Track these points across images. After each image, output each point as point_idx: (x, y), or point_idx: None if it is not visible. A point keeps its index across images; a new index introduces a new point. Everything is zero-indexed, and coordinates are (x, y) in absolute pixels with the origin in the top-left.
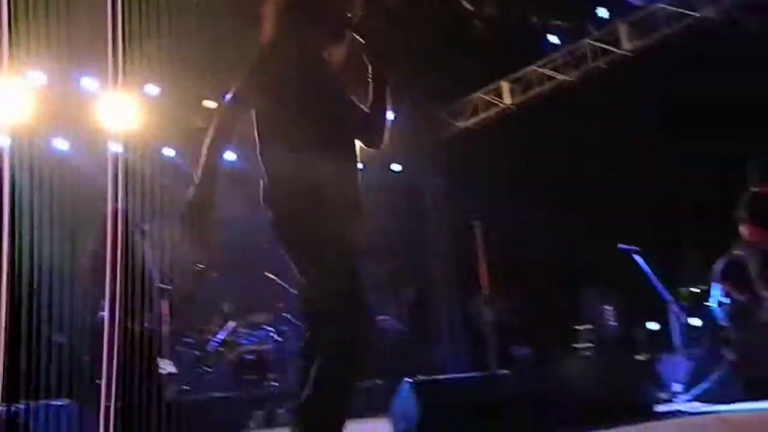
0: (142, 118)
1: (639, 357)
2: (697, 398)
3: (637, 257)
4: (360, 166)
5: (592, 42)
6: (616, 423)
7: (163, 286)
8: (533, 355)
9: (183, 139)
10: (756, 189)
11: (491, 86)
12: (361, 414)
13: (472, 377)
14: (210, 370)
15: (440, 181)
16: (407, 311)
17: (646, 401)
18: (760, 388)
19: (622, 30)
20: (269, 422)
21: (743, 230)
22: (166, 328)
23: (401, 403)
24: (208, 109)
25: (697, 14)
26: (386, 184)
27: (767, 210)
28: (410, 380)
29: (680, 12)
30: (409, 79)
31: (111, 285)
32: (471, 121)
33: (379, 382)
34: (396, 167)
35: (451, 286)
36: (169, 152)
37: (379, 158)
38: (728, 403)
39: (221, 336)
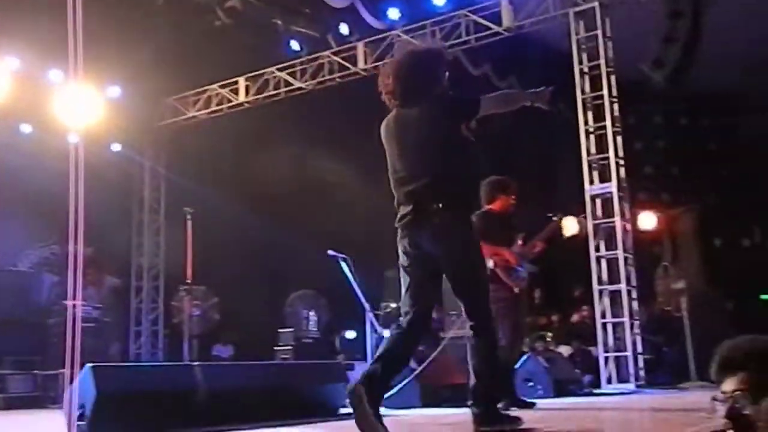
0: None
1: (334, 361)
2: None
3: (344, 265)
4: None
5: (331, 55)
6: (303, 420)
7: None
8: (235, 354)
9: None
10: (487, 207)
11: (228, 81)
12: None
13: (154, 366)
14: None
15: (159, 167)
16: (110, 299)
17: (334, 402)
18: (435, 397)
19: (360, 49)
20: None
21: None
22: None
23: (80, 389)
24: None
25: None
26: (103, 162)
27: (495, 226)
28: (90, 366)
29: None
30: (141, 61)
31: None
32: (202, 113)
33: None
34: (116, 147)
35: (158, 275)
36: None
37: (99, 135)
38: (408, 408)
39: None
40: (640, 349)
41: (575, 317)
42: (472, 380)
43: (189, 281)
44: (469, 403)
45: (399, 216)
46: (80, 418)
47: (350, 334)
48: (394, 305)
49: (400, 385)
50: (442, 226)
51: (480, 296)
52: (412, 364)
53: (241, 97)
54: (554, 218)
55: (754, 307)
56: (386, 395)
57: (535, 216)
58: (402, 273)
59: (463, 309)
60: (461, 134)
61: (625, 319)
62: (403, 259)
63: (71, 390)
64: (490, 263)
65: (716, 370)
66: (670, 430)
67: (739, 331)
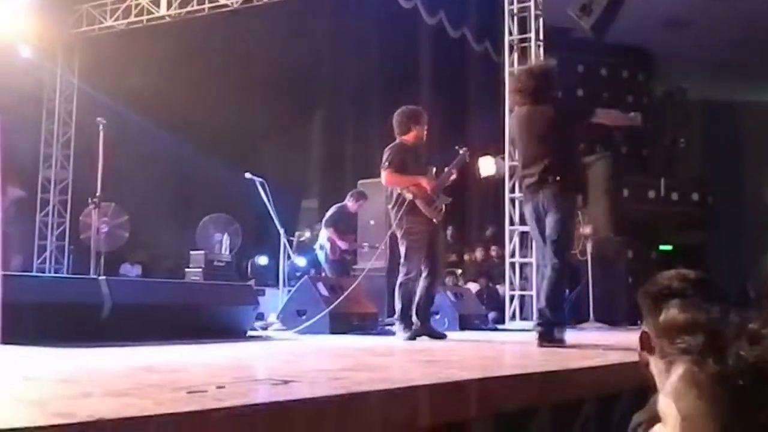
0: None
1: (245, 284)
2: (290, 329)
3: (260, 188)
4: None
5: None
6: (210, 339)
7: None
8: (143, 274)
9: None
10: (401, 138)
11: None
12: None
13: (57, 277)
14: None
15: (71, 77)
16: (13, 210)
17: (243, 324)
18: (344, 325)
19: None
20: None
21: (383, 176)
22: None
23: None
24: None
25: None
26: (11, 67)
27: (410, 157)
28: None
29: None
30: None
31: None
32: (120, 23)
33: None
34: (25, 52)
35: (66, 189)
36: None
37: (7, 38)
38: (317, 334)
39: None
40: None
41: (478, 255)
42: (541, 303)
43: (98, 194)
44: (536, 321)
45: (525, 184)
46: None
47: (262, 260)
48: (308, 234)
49: (317, 316)
50: (554, 192)
51: (563, 244)
52: (326, 292)
53: (163, 9)
54: (461, 151)
55: (652, 257)
56: (302, 323)
57: (447, 153)
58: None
59: (549, 249)
60: (573, 130)
61: (532, 259)
62: (527, 213)
63: None
64: (408, 195)
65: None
66: (564, 361)
67: (635, 279)
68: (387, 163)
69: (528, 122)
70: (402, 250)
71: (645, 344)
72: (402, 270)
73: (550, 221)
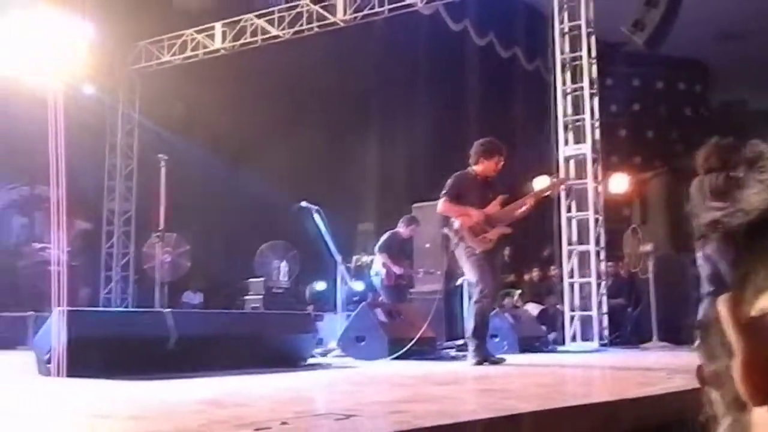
0: None
1: (304, 312)
2: (349, 355)
3: (316, 216)
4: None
5: (310, 4)
6: (271, 368)
7: None
8: (204, 302)
9: None
10: (470, 168)
11: (205, 26)
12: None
13: (125, 312)
14: None
15: (132, 112)
16: (79, 243)
17: (302, 352)
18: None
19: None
20: None
21: (439, 204)
22: None
23: (48, 332)
24: None
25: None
26: (76, 104)
27: (472, 187)
28: (60, 309)
29: None
30: (116, 1)
31: None
32: (176, 58)
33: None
34: (88, 90)
35: (129, 221)
36: None
37: (72, 76)
38: (376, 359)
39: None
40: (605, 309)
41: (536, 275)
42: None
43: (161, 228)
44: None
45: (697, 236)
46: (48, 361)
47: (320, 286)
48: (365, 258)
49: (405, 347)
50: (720, 243)
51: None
52: (384, 318)
53: (218, 43)
54: (553, 179)
55: None
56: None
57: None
58: (702, 265)
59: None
60: None
61: (592, 279)
62: (700, 259)
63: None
64: (456, 224)
65: None
66: (627, 387)
67: (700, 295)
68: (444, 192)
69: (706, 188)
70: (468, 272)
71: (701, 379)
72: (476, 290)
73: (720, 265)
